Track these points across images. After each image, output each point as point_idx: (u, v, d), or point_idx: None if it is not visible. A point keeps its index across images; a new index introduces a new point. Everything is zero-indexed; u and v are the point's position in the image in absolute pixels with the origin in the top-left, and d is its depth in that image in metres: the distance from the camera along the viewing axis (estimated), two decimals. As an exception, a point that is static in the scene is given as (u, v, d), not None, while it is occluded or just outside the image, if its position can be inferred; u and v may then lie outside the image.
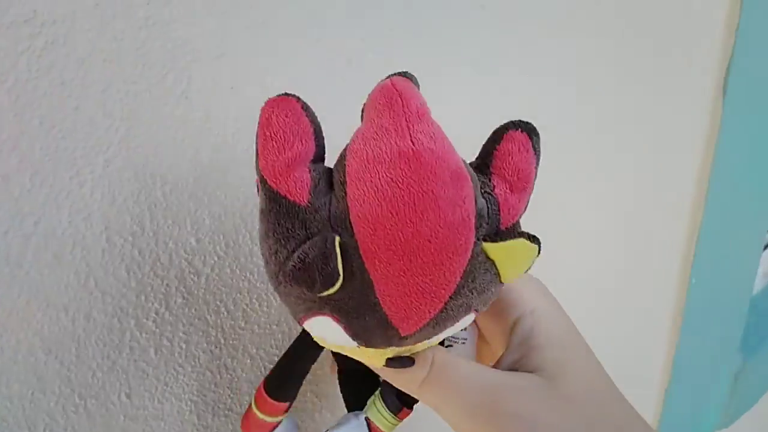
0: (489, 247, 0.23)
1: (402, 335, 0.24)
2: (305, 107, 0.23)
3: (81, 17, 0.25)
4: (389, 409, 0.32)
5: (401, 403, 0.32)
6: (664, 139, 0.61)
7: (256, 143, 0.23)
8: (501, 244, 0.23)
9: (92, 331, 0.30)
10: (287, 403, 0.32)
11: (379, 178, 0.22)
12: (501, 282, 0.24)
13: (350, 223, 0.22)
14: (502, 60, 0.43)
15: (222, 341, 0.35)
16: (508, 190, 0.24)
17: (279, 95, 0.23)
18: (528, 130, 0.25)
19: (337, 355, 0.33)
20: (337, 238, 0.22)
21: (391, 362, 0.27)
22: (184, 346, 0.33)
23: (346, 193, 0.22)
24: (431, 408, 0.28)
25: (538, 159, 0.25)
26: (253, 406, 0.32)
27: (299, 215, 0.23)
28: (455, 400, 0.27)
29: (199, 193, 0.31)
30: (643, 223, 0.63)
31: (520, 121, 0.25)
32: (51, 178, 0.27)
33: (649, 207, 0.63)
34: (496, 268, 0.24)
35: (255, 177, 0.24)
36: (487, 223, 0.24)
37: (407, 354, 0.27)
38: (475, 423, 0.27)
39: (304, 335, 0.30)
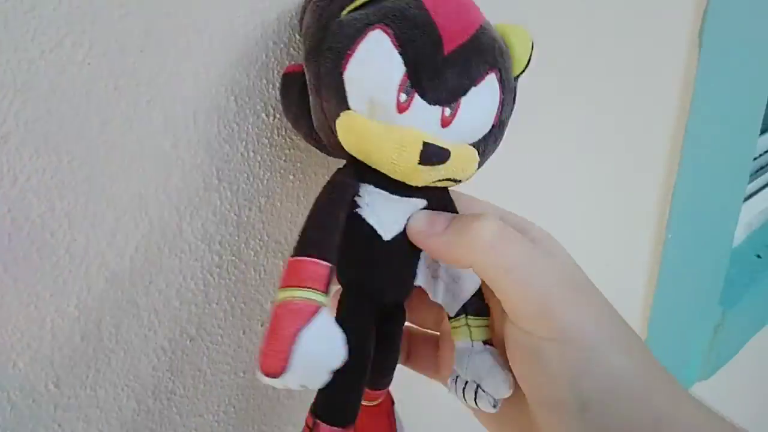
0: (496, 24, 0.28)
1: (445, 51, 0.25)
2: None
3: (-48, -23, 0.23)
4: (484, 315, 0.30)
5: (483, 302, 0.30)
6: (637, 94, 0.59)
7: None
8: (504, 23, 0.28)
9: (6, 320, 0.28)
10: (328, 265, 0.25)
11: None
12: (513, 68, 0.28)
13: None
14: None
15: (156, 324, 0.33)
16: None
17: None
18: None
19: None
20: None
21: (429, 147, 0.25)
22: (113, 330, 0.31)
23: None
24: (497, 272, 0.26)
25: None
26: (279, 295, 0.25)
27: None
28: (529, 261, 0.27)
29: (112, 168, 0.28)
30: (617, 179, 0.61)
31: None
32: (-63, 158, 0.24)
33: (622, 162, 0.61)
34: (506, 41, 0.28)
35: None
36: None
37: (442, 145, 0.26)
38: (548, 287, 0.26)
39: (325, 192, 0.27)
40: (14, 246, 0.27)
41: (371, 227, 0.28)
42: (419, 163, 0.25)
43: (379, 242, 0.28)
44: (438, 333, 0.36)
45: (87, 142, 0.27)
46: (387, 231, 0.28)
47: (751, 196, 1.05)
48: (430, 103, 0.25)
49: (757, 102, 0.73)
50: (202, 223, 0.32)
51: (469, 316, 0.29)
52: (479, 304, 0.30)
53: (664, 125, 0.64)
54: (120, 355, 0.32)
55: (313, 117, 0.28)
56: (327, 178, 0.35)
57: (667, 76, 0.61)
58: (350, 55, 0.25)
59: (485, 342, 0.29)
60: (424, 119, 0.25)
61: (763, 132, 1.11)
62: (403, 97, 0.25)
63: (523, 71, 0.29)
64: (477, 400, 0.28)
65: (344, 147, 0.27)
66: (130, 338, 0.32)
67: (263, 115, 0.32)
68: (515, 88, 0.29)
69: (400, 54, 0.25)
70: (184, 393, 0.35)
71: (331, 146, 0.28)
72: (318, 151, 0.34)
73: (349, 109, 0.26)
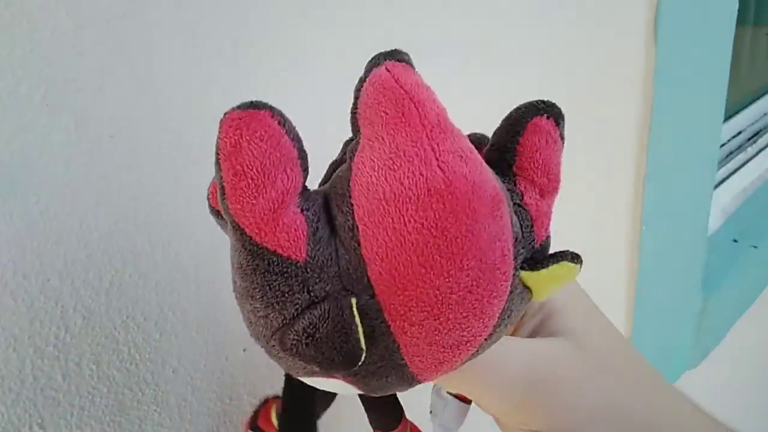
0: (528, 276, 0.20)
1: (422, 381, 0.21)
2: (282, 121, 0.18)
3: None
4: None
5: None
6: (601, 92, 0.60)
7: (219, 176, 0.18)
8: (542, 272, 0.20)
9: (-15, 365, 0.28)
10: None
11: (405, 224, 0.17)
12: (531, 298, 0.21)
13: (369, 280, 0.18)
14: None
15: (137, 357, 0.33)
16: (538, 196, 0.21)
17: (245, 107, 0.17)
18: (555, 115, 0.20)
19: None
20: (354, 301, 0.18)
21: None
22: (94, 367, 0.31)
23: (359, 243, 0.18)
24: (460, 392, 0.27)
25: (563, 148, 0.21)
26: None
27: (298, 275, 0.18)
28: (491, 380, 0.25)
29: (80, 206, 0.29)
30: (588, 177, 0.62)
31: (542, 103, 0.20)
32: None
33: (591, 160, 0.62)
34: (531, 293, 0.21)
35: (206, 193, 0.21)
36: (524, 247, 0.20)
37: None
38: (514, 398, 0.25)
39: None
40: (-13, 291, 0.27)
41: None
42: None
43: None
44: None
45: (52, 182, 0.28)
46: None
47: (722, 182, 1.07)
48: None
49: (718, 90, 0.75)
50: (175, 253, 0.32)
51: None
52: None
53: (629, 120, 0.65)
54: (103, 392, 0.32)
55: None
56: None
57: (627, 72, 0.63)
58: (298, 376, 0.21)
59: (451, 393, 0.29)
60: None
61: (726, 119, 1.13)
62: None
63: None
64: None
65: None
66: (112, 374, 0.32)
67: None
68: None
69: (361, 392, 0.21)
70: (171, 424, 0.35)
71: None
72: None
73: None
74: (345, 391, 0.21)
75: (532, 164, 0.20)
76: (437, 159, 0.17)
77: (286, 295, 0.18)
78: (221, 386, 0.37)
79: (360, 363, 0.18)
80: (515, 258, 0.19)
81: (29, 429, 0.30)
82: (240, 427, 0.38)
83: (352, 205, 0.18)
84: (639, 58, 0.63)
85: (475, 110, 0.31)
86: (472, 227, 0.17)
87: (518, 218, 0.20)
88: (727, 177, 1.08)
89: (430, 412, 0.30)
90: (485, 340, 0.20)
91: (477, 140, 0.21)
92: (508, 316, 0.20)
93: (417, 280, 0.17)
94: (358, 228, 0.18)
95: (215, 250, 0.34)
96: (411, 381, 0.20)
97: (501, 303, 0.19)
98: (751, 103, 1.23)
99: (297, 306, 0.18)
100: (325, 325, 0.17)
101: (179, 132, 0.31)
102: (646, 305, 0.74)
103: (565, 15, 0.53)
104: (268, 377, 0.39)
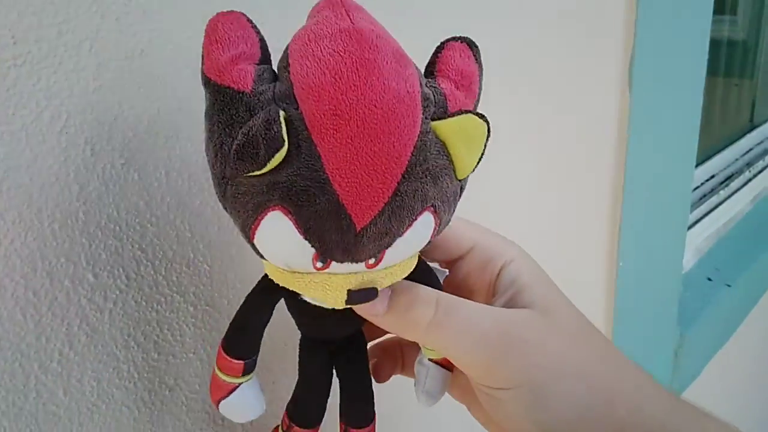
0: (438, 125, 0.23)
1: (357, 228, 0.22)
2: (251, 21, 0.24)
3: (-59, 62, 0.25)
4: None
5: None
6: (577, 136, 0.63)
7: (202, 54, 0.24)
8: (449, 120, 0.23)
9: (-8, 379, 0.29)
10: (242, 362, 0.30)
11: (321, 50, 0.22)
12: (457, 177, 0.24)
13: (294, 96, 0.22)
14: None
15: (136, 376, 0.34)
16: (453, 87, 0.25)
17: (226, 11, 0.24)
18: (468, 41, 0.26)
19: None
20: (282, 111, 0.22)
21: (354, 294, 0.25)
22: (95, 384, 0.33)
23: (288, 71, 0.23)
24: (437, 348, 0.30)
25: (481, 69, 0.26)
26: (215, 366, 0.31)
27: (243, 100, 0.22)
28: (466, 336, 0.28)
29: (91, 228, 0.30)
30: (565, 216, 0.65)
31: (459, 36, 0.26)
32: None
33: (568, 200, 0.65)
34: (448, 152, 0.24)
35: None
36: (434, 106, 0.24)
37: (369, 286, 0.26)
38: (486, 354, 0.28)
39: (258, 288, 0.30)
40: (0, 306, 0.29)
41: (315, 305, 0.28)
42: (348, 304, 0.26)
43: (324, 310, 0.28)
44: None
45: (66, 205, 0.29)
46: (332, 304, 0.27)
47: (696, 223, 1.10)
48: (349, 262, 0.24)
49: (690, 137, 0.79)
50: (176, 276, 0.34)
51: None
52: None
53: (606, 161, 0.68)
54: (102, 409, 0.33)
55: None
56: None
57: (602, 118, 0.66)
58: (255, 229, 0.24)
59: (432, 360, 0.32)
60: (346, 270, 0.25)
61: (699, 164, 1.18)
62: (319, 264, 0.24)
63: (474, 169, 0.25)
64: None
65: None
66: (111, 391, 0.33)
67: (230, 171, 0.35)
68: (459, 186, 0.26)
69: (306, 239, 0.23)
70: (166, 442, 0.36)
71: None
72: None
73: (266, 260, 0.26)
74: (293, 246, 0.23)
75: (447, 66, 0.25)
76: (351, 18, 0.23)
77: (234, 118, 0.23)
78: (214, 407, 0.38)
79: (283, 152, 0.21)
80: (424, 108, 0.23)
81: (30, 444, 0.31)
82: (231, 448, 0.39)
83: (287, 52, 0.24)
84: (614, 106, 0.66)
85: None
86: (375, 57, 0.22)
87: (432, 91, 0.24)
88: (701, 218, 1.12)
89: (414, 386, 0.33)
90: (403, 177, 0.22)
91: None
92: (424, 160, 0.23)
93: (330, 89, 0.22)
94: (288, 62, 0.23)
95: (213, 275, 0.36)
96: (342, 215, 0.22)
97: (411, 134, 0.22)
98: (723, 149, 1.28)
99: (242, 121, 0.22)
100: (256, 123, 0.21)
101: (186, 161, 0.33)
102: (623, 340, 0.76)
103: (544, 64, 0.56)
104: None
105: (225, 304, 0.37)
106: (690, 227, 1.04)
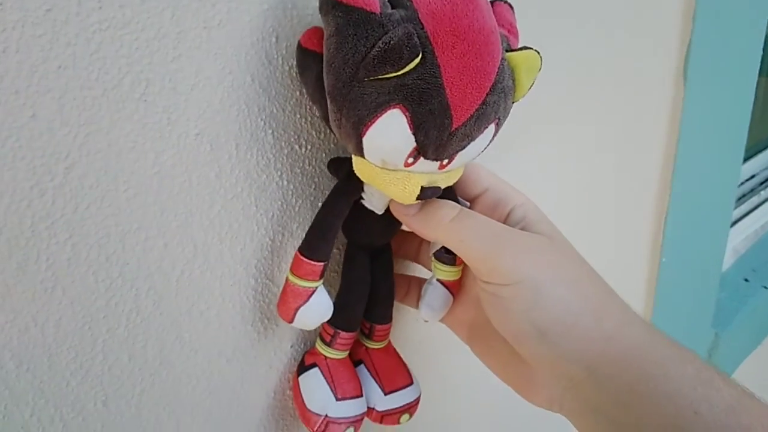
0: (511, 55, 0.30)
1: (453, 128, 0.28)
2: None
3: (32, 23, 0.25)
4: (448, 263, 0.38)
5: (452, 255, 0.37)
6: (629, 128, 0.62)
7: None
8: (519, 52, 0.30)
9: (63, 340, 0.30)
10: (322, 263, 0.34)
11: None
12: (513, 98, 0.30)
13: (419, 20, 0.27)
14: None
15: (198, 345, 0.35)
16: (507, 32, 0.31)
17: None
18: (508, 3, 0.33)
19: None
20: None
21: (426, 190, 0.31)
22: (157, 351, 0.33)
23: (412, 1, 0.28)
24: (453, 241, 0.33)
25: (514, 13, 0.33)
26: (289, 276, 0.34)
27: (375, 20, 0.27)
28: (481, 232, 0.33)
29: (163, 197, 0.31)
30: (613, 207, 0.64)
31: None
32: (11, 188, 0.26)
33: (617, 190, 0.64)
34: (514, 77, 0.30)
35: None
36: (504, 41, 0.30)
37: (435, 185, 0.31)
38: (495, 248, 0.32)
39: (333, 193, 0.34)
40: (72, 270, 0.29)
41: (371, 210, 0.35)
42: (417, 199, 0.31)
43: (374, 215, 0.35)
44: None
45: (142, 173, 0.30)
46: (380, 210, 0.35)
47: (735, 222, 1.09)
48: (432, 160, 0.30)
49: (739, 132, 0.77)
50: (240, 248, 0.34)
51: (435, 260, 0.38)
52: (444, 257, 0.38)
53: (655, 155, 0.68)
54: (163, 376, 0.34)
55: (330, 122, 0.31)
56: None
57: (655, 110, 0.65)
58: (370, 125, 0.28)
59: (439, 280, 0.38)
60: (424, 167, 0.30)
61: (745, 160, 1.16)
62: (411, 160, 0.29)
63: (523, 96, 0.31)
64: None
65: (355, 171, 0.32)
66: (173, 360, 0.34)
67: (296, 146, 0.35)
68: (511, 107, 0.32)
69: (413, 134, 0.28)
70: (219, 414, 0.37)
71: (343, 143, 0.31)
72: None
73: (363, 157, 0.30)
74: (399, 139, 0.28)
75: (500, 18, 0.31)
76: None
77: (368, 32, 0.27)
78: (267, 379, 0.38)
79: (418, 59, 0.26)
80: (501, 40, 0.29)
81: (94, 405, 0.32)
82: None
83: None
84: (668, 98, 0.65)
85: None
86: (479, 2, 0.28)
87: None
88: (740, 218, 1.10)
89: (419, 303, 0.39)
90: (490, 90, 0.28)
91: None
92: (502, 80, 0.29)
93: (450, 15, 0.27)
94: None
95: (275, 249, 0.36)
96: (445, 115, 0.28)
97: (497, 57, 0.28)
98: (764, 148, 1.25)
99: (377, 36, 0.27)
100: (396, 34, 0.26)
101: (256, 136, 0.33)
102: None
103: (601, 55, 0.55)
104: (311, 375, 0.40)
105: (284, 279, 0.37)
106: (731, 225, 1.02)
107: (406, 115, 0.28)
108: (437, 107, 0.28)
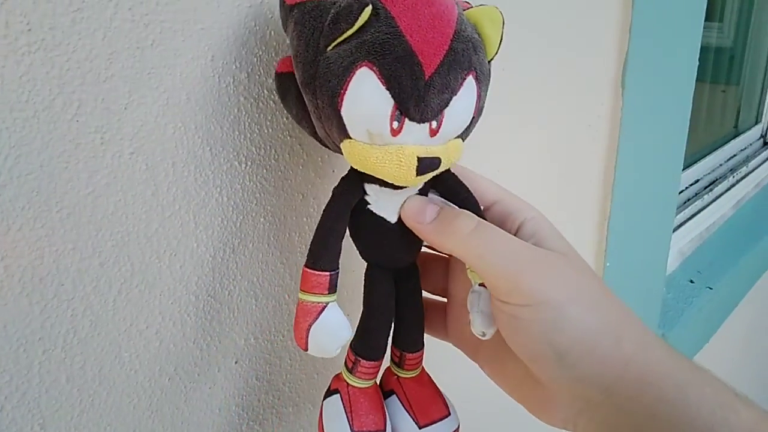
0: (468, 11, 0.31)
1: (426, 75, 0.28)
2: None
3: (-44, 47, 0.25)
4: None
5: None
6: (568, 134, 0.64)
7: (281, 1, 0.30)
8: (476, 8, 0.31)
9: (-4, 364, 0.29)
10: (328, 274, 0.32)
11: None
12: (487, 55, 0.31)
13: None
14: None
15: (137, 364, 0.34)
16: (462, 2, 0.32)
17: None
18: None
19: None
20: None
21: (423, 161, 0.30)
22: (97, 371, 0.33)
23: None
24: (471, 256, 0.32)
25: None
26: (299, 295, 0.33)
27: (326, 3, 0.29)
28: (500, 248, 0.31)
29: (98, 216, 0.31)
30: (555, 215, 0.65)
31: None
32: (-63, 211, 0.26)
33: (559, 199, 0.66)
34: (479, 32, 0.30)
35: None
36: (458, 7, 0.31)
37: (433, 155, 0.30)
38: (515, 266, 0.31)
39: (331, 199, 0.33)
40: (5, 293, 0.29)
41: (380, 216, 0.33)
42: (416, 175, 0.30)
43: (388, 225, 0.33)
44: (446, 300, 0.40)
45: (75, 193, 0.30)
46: (393, 216, 0.33)
47: (680, 226, 1.12)
48: (418, 123, 0.29)
49: (679, 138, 0.80)
50: (180, 265, 0.34)
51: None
52: None
53: (596, 163, 0.70)
54: (103, 396, 0.34)
55: (316, 128, 0.31)
56: (295, 219, 0.38)
57: (595, 119, 0.67)
58: (343, 93, 0.28)
59: (482, 284, 0.34)
60: (415, 136, 0.29)
61: (690, 165, 1.20)
62: (395, 124, 0.29)
63: (497, 52, 0.31)
64: (471, 328, 0.34)
65: (349, 163, 0.31)
66: (113, 379, 0.34)
67: (236, 163, 0.35)
68: (490, 70, 0.32)
69: (387, 89, 0.28)
70: (163, 424, 0.37)
71: (337, 151, 0.31)
72: (287, 194, 0.37)
73: (350, 137, 0.30)
74: (377, 100, 0.28)
75: None
76: None
77: (323, 11, 0.29)
78: (211, 396, 0.38)
79: (369, 10, 0.27)
80: (458, 7, 0.30)
81: (30, 429, 0.31)
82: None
83: None
84: (607, 107, 0.68)
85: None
86: None
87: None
88: (685, 221, 1.13)
89: (469, 321, 0.34)
90: (454, 36, 0.29)
91: None
92: (464, 29, 0.29)
93: None
94: None
95: (216, 265, 0.36)
96: (414, 62, 0.28)
97: (453, 9, 0.29)
98: (707, 154, 1.30)
99: (330, 9, 0.28)
100: (345, 1, 0.28)
101: (193, 152, 0.33)
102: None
103: (538, 64, 0.57)
104: (257, 389, 0.41)
105: (225, 295, 0.37)
106: (674, 230, 1.05)
107: (374, 70, 0.28)
108: (402, 53, 0.28)
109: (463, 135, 0.32)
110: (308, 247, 0.38)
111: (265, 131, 0.36)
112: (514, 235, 0.34)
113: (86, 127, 0.29)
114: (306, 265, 0.33)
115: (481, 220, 0.32)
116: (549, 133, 0.61)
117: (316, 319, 0.32)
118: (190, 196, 0.34)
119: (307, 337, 0.32)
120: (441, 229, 0.32)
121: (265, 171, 0.37)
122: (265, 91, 0.35)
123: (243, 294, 0.38)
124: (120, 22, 0.29)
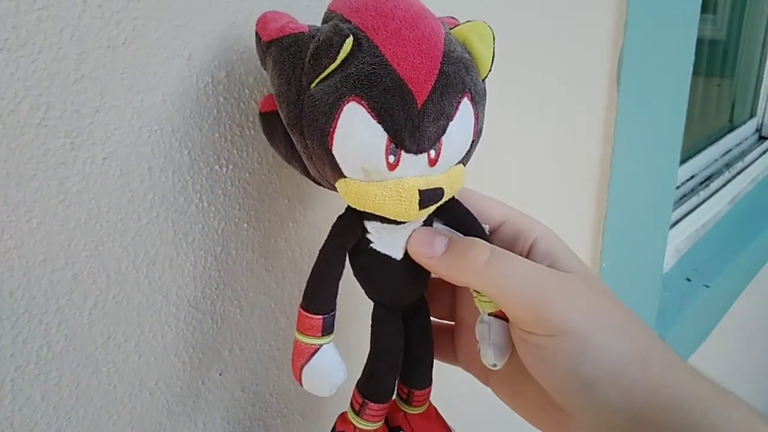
0: (456, 29, 0.29)
1: (418, 103, 0.26)
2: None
3: None
4: None
5: None
6: (563, 131, 0.63)
7: (257, 34, 0.29)
8: (463, 24, 0.29)
9: (-36, 383, 0.28)
10: (321, 317, 0.31)
11: None
12: (480, 74, 0.29)
13: (346, 18, 0.27)
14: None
15: (116, 379, 0.33)
16: (448, 21, 0.31)
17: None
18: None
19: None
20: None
21: (425, 193, 0.28)
22: (73, 387, 0.31)
23: (333, 11, 0.28)
24: (489, 288, 0.30)
25: None
26: (296, 334, 0.32)
27: (305, 36, 0.27)
28: (520, 278, 0.30)
29: (70, 225, 0.29)
30: (550, 215, 0.64)
31: None
32: None
33: (554, 197, 0.65)
34: (469, 50, 0.29)
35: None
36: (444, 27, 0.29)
37: (434, 186, 0.28)
38: (538, 296, 0.29)
39: (327, 239, 0.32)
40: (-28, 307, 0.27)
41: (385, 254, 0.31)
42: (419, 209, 0.28)
43: (394, 262, 0.32)
44: (453, 323, 0.39)
45: (45, 202, 0.28)
46: (398, 253, 0.32)
47: (676, 223, 1.11)
48: (416, 154, 0.27)
49: (675, 134, 0.79)
50: (159, 275, 0.33)
51: (477, 293, 0.33)
52: None
53: (591, 161, 0.68)
54: (80, 413, 0.32)
55: (308, 168, 0.30)
56: (280, 224, 0.37)
57: (590, 116, 0.66)
58: (333, 132, 0.27)
59: (491, 314, 0.32)
60: (413, 168, 0.28)
61: (685, 160, 1.19)
62: (392, 158, 0.27)
63: (491, 69, 0.30)
64: (481, 358, 0.33)
65: (346, 203, 0.30)
66: (90, 395, 0.32)
67: (216, 167, 0.33)
68: (485, 89, 0.30)
69: (379, 122, 0.26)
70: (146, 447, 0.35)
71: (332, 189, 0.30)
72: (271, 198, 0.35)
73: (344, 176, 0.28)
74: (368, 134, 0.27)
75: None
76: None
77: (302, 47, 0.27)
78: (195, 410, 0.37)
79: (350, 42, 0.26)
80: (444, 27, 0.29)
81: (3, 449, 0.30)
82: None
83: (326, 10, 0.30)
84: (602, 102, 0.66)
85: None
86: None
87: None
88: (681, 218, 1.12)
89: (479, 350, 0.33)
90: (443, 59, 0.27)
91: None
92: (453, 50, 0.28)
93: (373, 5, 0.27)
94: (331, 9, 0.29)
95: (197, 274, 0.34)
96: (404, 92, 0.26)
97: (440, 30, 0.28)
98: (703, 149, 1.29)
99: (309, 45, 0.27)
100: (324, 32, 0.26)
101: (170, 157, 0.31)
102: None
103: (533, 60, 0.56)
104: (243, 400, 0.39)
105: (208, 305, 0.36)
106: (670, 228, 1.04)
107: (362, 104, 0.26)
108: (390, 83, 0.26)
109: (464, 160, 0.30)
110: (294, 253, 0.37)
111: (247, 133, 0.34)
112: (527, 255, 0.32)
113: (55, 131, 0.28)
114: (300, 306, 0.32)
115: (495, 247, 0.30)
116: (544, 129, 0.59)
117: (308, 360, 0.31)
118: (168, 203, 0.32)
119: (301, 376, 0.32)
120: (453, 261, 0.30)
121: (247, 174, 0.35)
122: (246, 91, 0.33)
123: (226, 303, 0.36)
124: (89, 20, 0.27)
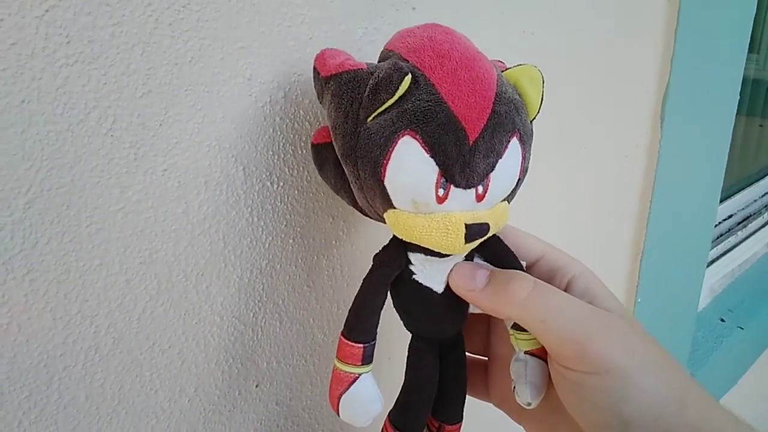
0: (507, 72, 0.30)
1: (470, 140, 0.27)
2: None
3: (-4, 57, 0.25)
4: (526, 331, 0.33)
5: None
6: (605, 166, 0.62)
7: (315, 70, 0.30)
8: (514, 68, 0.30)
9: (17, 378, 0.29)
10: (362, 346, 0.32)
11: (415, 30, 0.30)
12: (528, 113, 0.30)
13: (403, 57, 0.29)
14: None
15: (158, 384, 0.34)
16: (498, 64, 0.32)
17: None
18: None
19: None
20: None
21: (471, 227, 0.29)
22: (116, 390, 0.32)
23: (391, 50, 0.30)
24: (531, 321, 0.30)
25: None
26: (335, 361, 0.32)
27: (363, 71, 0.28)
28: (563, 312, 0.30)
29: (128, 232, 0.30)
30: (588, 249, 0.64)
31: None
32: (-33, 222, 0.26)
33: (594, 231, 0.64)
34: (519, 92, 0.30)
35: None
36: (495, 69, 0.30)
37: (480, 221, 0.29)
38: (581, 332, 0.29)
39: (371, 270, 0.32)
40: (30, 306, 0.28)
41: (427, 287, 0.32)
42: (465, 243, 0.29)
43: (434, 296, 0.32)
44: (486, 358, 0.39)
45: (105, 209, 0.29)
46: (440, 286, 0.32)
47: (711, 262, 1.09)
48: (464, 189, 0.28)
49: (716, 172, 0.78)
50: (206, 285, 0.34)
51: (514, 330, 0.33)
52: None
53: (632, 196, 0.68)
54: (121, 415, 0.33)
55: (357, 198, 0.31)
56: (324, 242, 0.37)
57: (632, 152, 0.66)
58: (386, 164, 0.28)
59: (528, 352, 0.33)
60: (461, 202, 0.29)
61: (724, 199, 1.17)
62: (441, 191, 0.28)
63: (539, 111, 0.31)
64: (515, 396, 0.33)
65: (393, 233, 0.30)
66: (132, 398, 0.33)
67: (268, 183, 0.34)
68: (532, 129, 0.31)
69: (431, 157, 0.27)
70: (180, 454, 0.36)
71: (380, 220, 0.31)
72: (317, 216, 0.36)
73: (394, 207, 0.29)
74: (420, 168, 0.28)
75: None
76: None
77: (360, 83, 0.28)
78: (230, 420, 0.38)
79: (408, 80, 0.27)
80: (496, 69, 0.30)
81: (47, 446, 0.31)
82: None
83: (384, 48, 0.31)
84: (645, 140, 0.66)
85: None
86: (451, 30, 0.30)
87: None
88: (717, 258, 1.11)
89: (513, 388, 0.33)
90: (495, 100, 0.28)
91: None
92: (505, 92, 0.29)
93: (430, 45, 0.28)
94: (388, 48, 0.31)
95: (242, 286, 0.35)
96: (457, 128, 0.27)
97: (493, 72, 0.29)
98: (742, 188, 1.27)
99: (367, 81, 0.28)
100: (383, 69, 0.28)
101: (226, 171, 0.32)
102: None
103: (578, 93, 0.56)
104: (277, 413, 0.40)
105: (250, 317, 0.36)
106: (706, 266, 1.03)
107: (417, 139, 0.27)
108: (445, 120, 0.27)
109: (509, 197, 0.31)
110: (335, 271, 0.38)
111: (299, 152, 0.35)
112: (565, 291, 0.32)
113: (120, 142, 0.29)
114: (342, 333, 0.32)
115: (537, 280, 0.31)
116: (586, 162, 0.59)
117: (347, 389, 0.32)
118: (220, 215, 0.33)
119: (338, 405, 0.32)
120: (495, 294, 0.31)
121: (296, 192, 0.36)
122: (301, 112, 0.34)
123: (268, 316, 0.37)
124: (159, 37, 0.29)
